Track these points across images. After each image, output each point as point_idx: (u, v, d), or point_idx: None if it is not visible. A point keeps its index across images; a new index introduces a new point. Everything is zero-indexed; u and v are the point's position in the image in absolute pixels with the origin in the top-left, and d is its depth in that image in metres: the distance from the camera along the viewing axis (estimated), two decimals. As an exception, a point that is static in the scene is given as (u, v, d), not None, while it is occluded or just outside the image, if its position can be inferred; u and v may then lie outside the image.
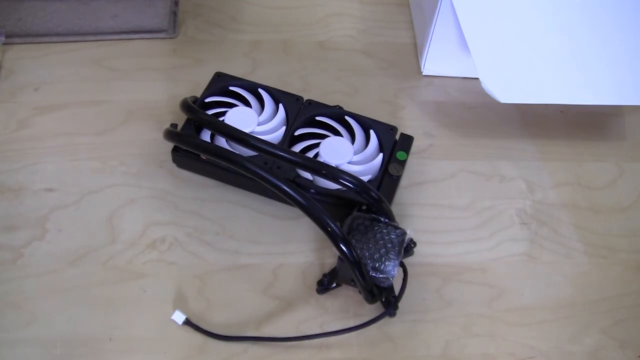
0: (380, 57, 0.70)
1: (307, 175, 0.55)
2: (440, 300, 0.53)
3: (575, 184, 0.61)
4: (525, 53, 0.60)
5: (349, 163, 0.56)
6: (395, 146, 0.58)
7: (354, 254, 0.46)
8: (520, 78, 0.60)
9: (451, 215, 0.58)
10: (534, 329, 0.52)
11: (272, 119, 0.58)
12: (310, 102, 0.59)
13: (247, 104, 0.59)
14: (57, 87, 0.64)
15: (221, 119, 0.57)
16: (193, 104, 0.56)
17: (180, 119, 0.57)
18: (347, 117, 0.59)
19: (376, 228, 0.49)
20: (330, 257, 0.54)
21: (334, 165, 0.54)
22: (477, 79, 0.59)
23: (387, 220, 0.51)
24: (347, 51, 0.70)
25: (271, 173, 0.49)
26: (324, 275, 0.52)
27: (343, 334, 0.50)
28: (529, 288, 0.54)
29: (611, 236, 0.58)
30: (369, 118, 0.58)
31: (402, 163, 0.57)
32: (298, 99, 0.60)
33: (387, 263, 0.48)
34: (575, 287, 0.54)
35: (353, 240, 0.48)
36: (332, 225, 0.46)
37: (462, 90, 0.67)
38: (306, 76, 0.67)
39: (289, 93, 0.60)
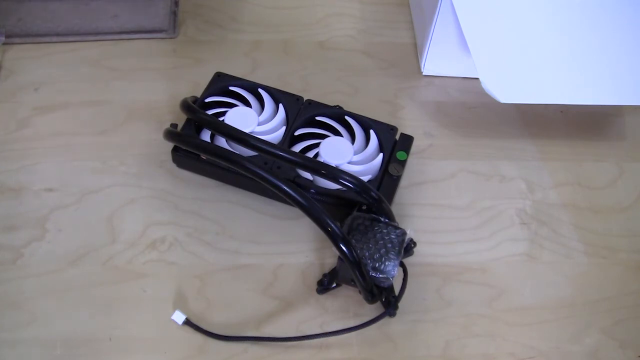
0: (380, 57, 0.70)
1: (307, 175, 0.55)
2: (440, 300, 0.53)
3: (575, 184, 0.61)
4: (525, 53, 0.60)
5: (349, 163, 0.56)
6: (395, 146, 0.58)
7: (354, 254, 0.46)
8: (520, 78, 0.60)
9: (451, 215, 0.58)
10: (534, 329, 0.52)
11: (272, 119, 0.58)
12: (310, 102, 0.59)
13: (247, 104, 0.59)
14: (57, 87, 0.64)
15: (221, 119, 0.57)
16: (193, 104, 0.56)
17: (180, 119, 0.57)
18: (347, 117, 0.59)
19: (376, 228, 0.49)
20: (330, 257, 0.54)
21: (334, 165, 0.54)
22: (477, 79, 0.59)
23: (387, 220, 0.51)
24: (347, 51, 0.70)
25: (271, 173, 0.49)
26: (324, 275, 0.52)
27: (343, 334, 0.50)
28: (529, 288, 0.54)
29: (611, 236, 0.58)
30: (369, 118, 0.58)
31: (402, 163, 0.57)
32: (298, 99, 0.60)
33: (387, 263, 0.48)
34: (575, 287, 0.55)
35: (353, 240, 0.48)
36: (332, 225, 0.46)
37: (462, 90, 0.67)
38: (306, 76, 0.67)
39: (289, 93, 0.60)
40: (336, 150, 0.56)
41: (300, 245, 0.55)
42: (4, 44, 0.66)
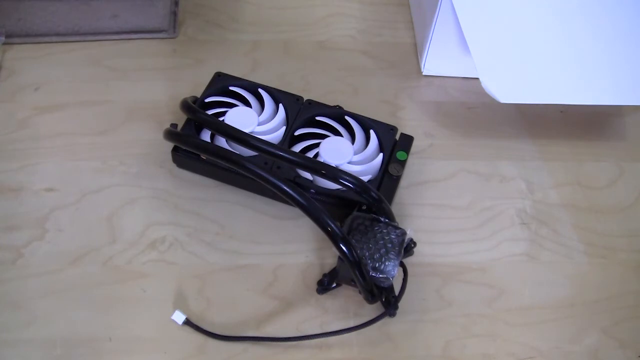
0: (380, 57, 0.70)
1: (307, 175, 0.55)
2: (440, 300, 0.53)
3: (575, 184, 0.61)
4: (525, 53, 0.60)
5: (349, 163, 0.56)
6: (395, 146, 0.58)
7: (354, 254, 0.46)
8: (520, 78, 0.60)
9: (451, 215, 0.58)
10: (534, 329, 0.52)
11: (272, 119, 0.58)
12: (310, 102, 0.59)
13: (247, 104, 0.59)
14: (57, 87, 0.64)
15: (221, 119, 0.57)
16: (193, 104, 0.56)
17: (181, 119, 0.57)
18: (347, 117, 0.59)
19: (376, 228, 0.49)
20: (330, 257, 0.54)
21: (334, 165, 0.54)
22: (477, 79, 0.59)
23: (387, 220, 0.51)
24: (347, 51, 0.70)
25: (271, 173, 0.49)
26: (324, 275, 0.52)
27: (343, 334, 0.50)
28: (529, 288, 0.54)
29: (611, 236, 0.58)
30: (369, 118, 0.58)
31: (402, 163, 0.57)
32: (298, 99, 0.60)
33: (387, 263, 0.48)
34: (575, 287, 0.54)
35: (353, 240, 0.48)
36: (332, 225, 0.46)
37: (462, 90, 0.67)
38: (306, 76, 0.67)
39: (289, 93, 0.60)
40: (336, 150, 0.56)
41: (300, 245, 0.55)
42: (4, 44, 0.66)
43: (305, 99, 0.60)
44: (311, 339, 0.50)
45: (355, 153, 0.56)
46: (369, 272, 0.47)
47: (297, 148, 0.57)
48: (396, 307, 0.50)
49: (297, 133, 0.57)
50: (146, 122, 0.62)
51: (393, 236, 0.49)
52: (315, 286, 0.52)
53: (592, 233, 0.58)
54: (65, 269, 0.52)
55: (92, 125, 0.61)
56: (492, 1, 0.61)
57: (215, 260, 0.54)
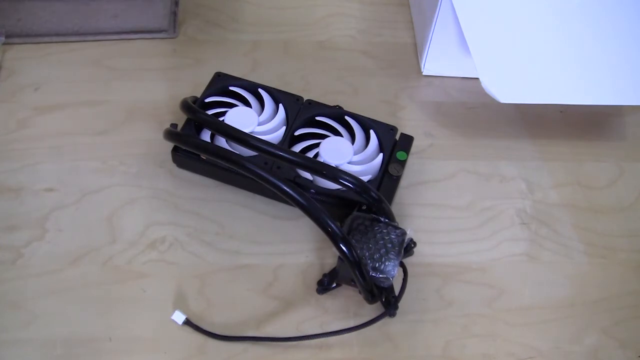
0: (380, 57, 0.70)
1: (307, 175, 0.55)
2: (440, 300, 0.53)
3: (575, 184, 0.61)
4: (525, 53, 0.60)
5: (349, 163, 0.56)
6: (395, 146, 0.58)
7: (354, 254, 0.46)
8: (520, 78, 0.60)
9: (451, 215, 0.58)
10: (534, 329, 0.52)
11: (272, 119, 0.58)
12: (310, 102, 0.59)
13: (247, 104, 0.59)
14: (57, 87, 0.64)
15: (221, 119, 0.57)
16: (193, 104, 0.56)
17: (181, 119, 0.57)
18: (347, 117, 0.59)
19: (376, 228, 0.49)
20: (330, 257, 0.54)
21: (334, 165, 0.54)
22: (477, 79, 0.59)
23: (387, 220, 0.51)
24: (347, 51, 0.70)
25: (271, 173, 0.49)
26: (324, 275, 0.52)
27: (343, 334, 0.50)
28: (529, 288, 0.54)
29: (611, 236, 0.58)
30: (369, 118, 0.58)
31: (402, 163, 0.57)
32: (298, 99, 0.60)
33: (387, 263, 0.48)
34: (575, 287, 0.55)
35: (353, 240, 0.48)
36: (332, 225, 0.46)
37: (462, 90, 0.67)
38: (306, 76, 0.67)
39: (289, 93, 0.60)
40: (336, 150, 0.56)
41: (300, 245, 0.55)
42: (4, 44, 0.66)
43: (305, 99, 0.60)
44: (311, 339, 0.50)
45: (355, 153, 0.56)
46: (369, 272, 0.47)
47: (297, 148, 0.57)
48: (396, 307, 0.50)
49: (297, 133, 0.57)
50: (146, 122, 0.62)
51: (393, 236, 0.49)
52: (315, 286, 0.52)
53: (592, 233, 0.58)
54: (65, 269, 0.52)
55: (92, 125, 0.61)
56: (492, 1, 0.61)
57: (215, 260, 0.54)
